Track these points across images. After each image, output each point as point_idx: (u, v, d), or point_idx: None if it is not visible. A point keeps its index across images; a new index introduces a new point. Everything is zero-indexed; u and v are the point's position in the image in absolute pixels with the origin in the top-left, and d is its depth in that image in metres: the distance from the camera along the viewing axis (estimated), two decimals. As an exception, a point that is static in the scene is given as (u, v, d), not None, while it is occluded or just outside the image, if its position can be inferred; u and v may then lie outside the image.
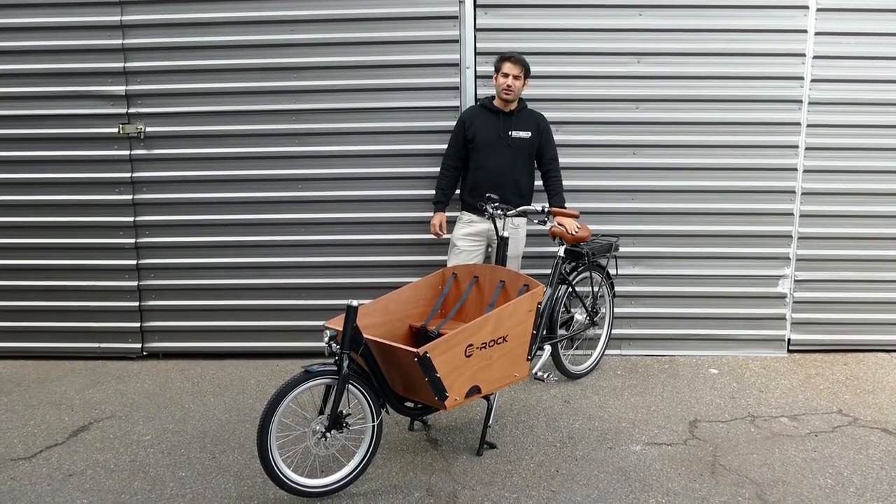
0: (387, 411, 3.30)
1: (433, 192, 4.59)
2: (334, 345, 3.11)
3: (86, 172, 4.93)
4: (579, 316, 4.57)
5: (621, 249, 4.79)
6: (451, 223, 4.58)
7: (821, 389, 4.41)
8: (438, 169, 4.57)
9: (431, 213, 4.59)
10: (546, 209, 3.97)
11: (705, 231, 4.93)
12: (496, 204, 4.00)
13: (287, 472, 3.07)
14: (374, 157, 4.88)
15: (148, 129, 4.87)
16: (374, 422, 3.22)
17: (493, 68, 4.40)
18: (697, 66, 4.77)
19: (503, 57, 4.31)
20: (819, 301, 5.00)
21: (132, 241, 4.98)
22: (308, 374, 3.05)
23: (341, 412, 3.12)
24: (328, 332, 3.13)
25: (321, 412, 3.17)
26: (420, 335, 3.66)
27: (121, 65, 4.82)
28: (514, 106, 4.42)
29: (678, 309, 5.00)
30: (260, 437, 2.97)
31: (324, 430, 3.12)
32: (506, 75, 4.28)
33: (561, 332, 4.42)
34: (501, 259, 3.94)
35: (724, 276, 4.97)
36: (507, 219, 4.06)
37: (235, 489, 3.27)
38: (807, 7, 4.70)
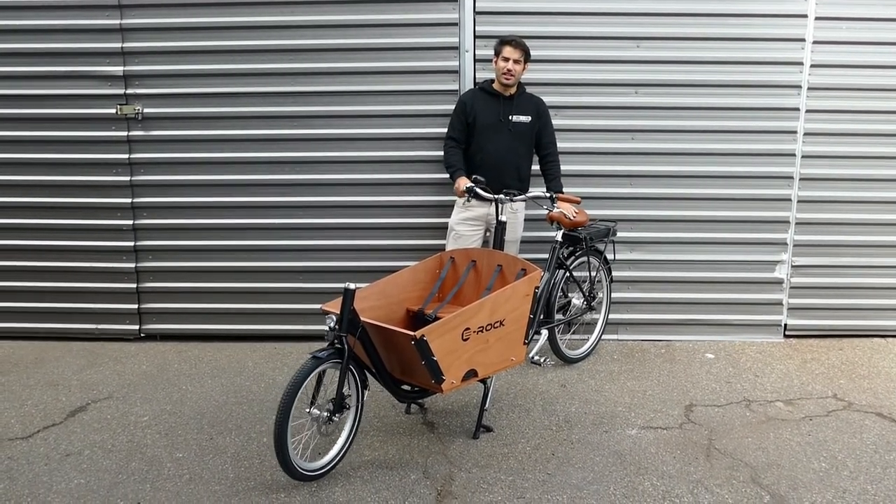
0: (367, 388, 3.32)
1: (432, 175, 4.57)
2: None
3: (83, 153, 4.91)
4: (576, 300, 4.58)
5: (619, 234, 4.79)
6: (451, 208, 4.57)
7: (816, 374, 4.43)
8: (437, 152, 4.55)
9: (435, 197, 4.58)
10: (552, 195, 3.96)
11: (703, 216, 4.93)
12: (484, 186, 3.98)
13: (297, 460, 3.07)
14: (372, 140, 4.86)
15: (146, 110, 4.85)
16: (360, 397, 3.27)
17: (492, 52, 4.38)
18: (697, 51, 4.75)
19: (503, 41, 4.27)
20: (815, 286, 5.01)
21: (130, 222, 4.97)
22: (318, 360, 3.05)
23: (343, 393, 3.14)
24: (332, 316, 3.13)
25: (313, 400, 3.16)
26: (417, 319, 3.66)
27: (119, 45, 4.79)
28: (513, 90, 4.39)
29: (675, 294, 5.01)
30: (279, 428, 2.93)
31: (329, 414, 3.13)
32: (506, 59, 4.24)
33: (558, 316, 4.43)
34: (499, 243, 3.94)
35: (722, 261, 4.97)
36: (507, 203, 4.05)
37: (233, 470, 3.28)
38: (808, -8, 4.69)
